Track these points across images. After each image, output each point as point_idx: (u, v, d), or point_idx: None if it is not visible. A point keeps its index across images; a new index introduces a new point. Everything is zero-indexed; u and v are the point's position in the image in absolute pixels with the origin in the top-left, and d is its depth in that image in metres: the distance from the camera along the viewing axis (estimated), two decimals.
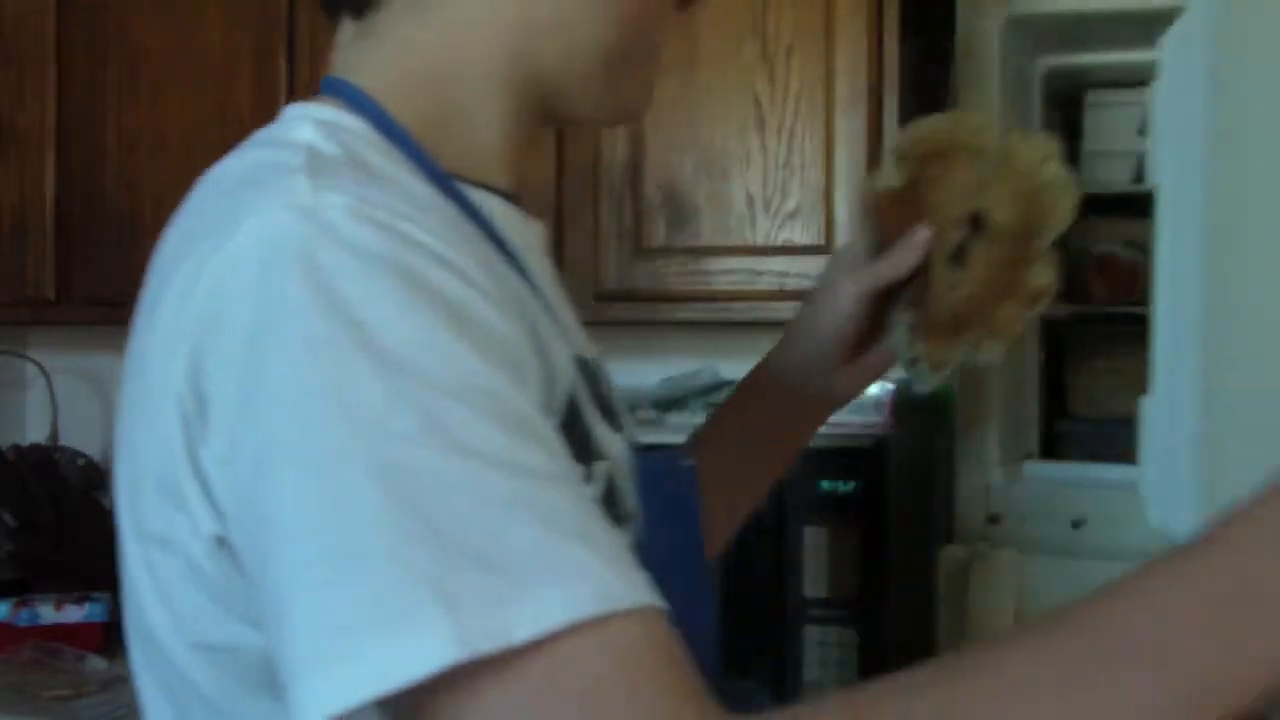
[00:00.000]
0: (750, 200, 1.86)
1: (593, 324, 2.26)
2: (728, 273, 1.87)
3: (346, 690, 0.54)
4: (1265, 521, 0.56)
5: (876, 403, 1.84)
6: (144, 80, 2.18)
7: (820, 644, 1.69)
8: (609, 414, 0.80)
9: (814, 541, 1.69)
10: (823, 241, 1.83)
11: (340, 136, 0.70)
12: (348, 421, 0.57)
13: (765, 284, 1.86)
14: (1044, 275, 0.87)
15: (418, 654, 0.53)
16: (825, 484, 1.69)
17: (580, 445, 0.71)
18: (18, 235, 2.25)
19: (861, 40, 1.81)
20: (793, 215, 1.84)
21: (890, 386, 1.85)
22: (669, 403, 1.97)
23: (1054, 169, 0.89)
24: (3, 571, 2.31)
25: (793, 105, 1.84)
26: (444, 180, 0.74)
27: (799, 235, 1.84)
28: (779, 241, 1.85)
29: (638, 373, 2.15)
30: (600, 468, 0.73)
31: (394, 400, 0.57)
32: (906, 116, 1.83)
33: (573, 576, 0.56)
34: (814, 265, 1.83)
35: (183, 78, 2.16)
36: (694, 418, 1.91)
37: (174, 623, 0.66)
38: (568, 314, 0.85)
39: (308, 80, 2.07)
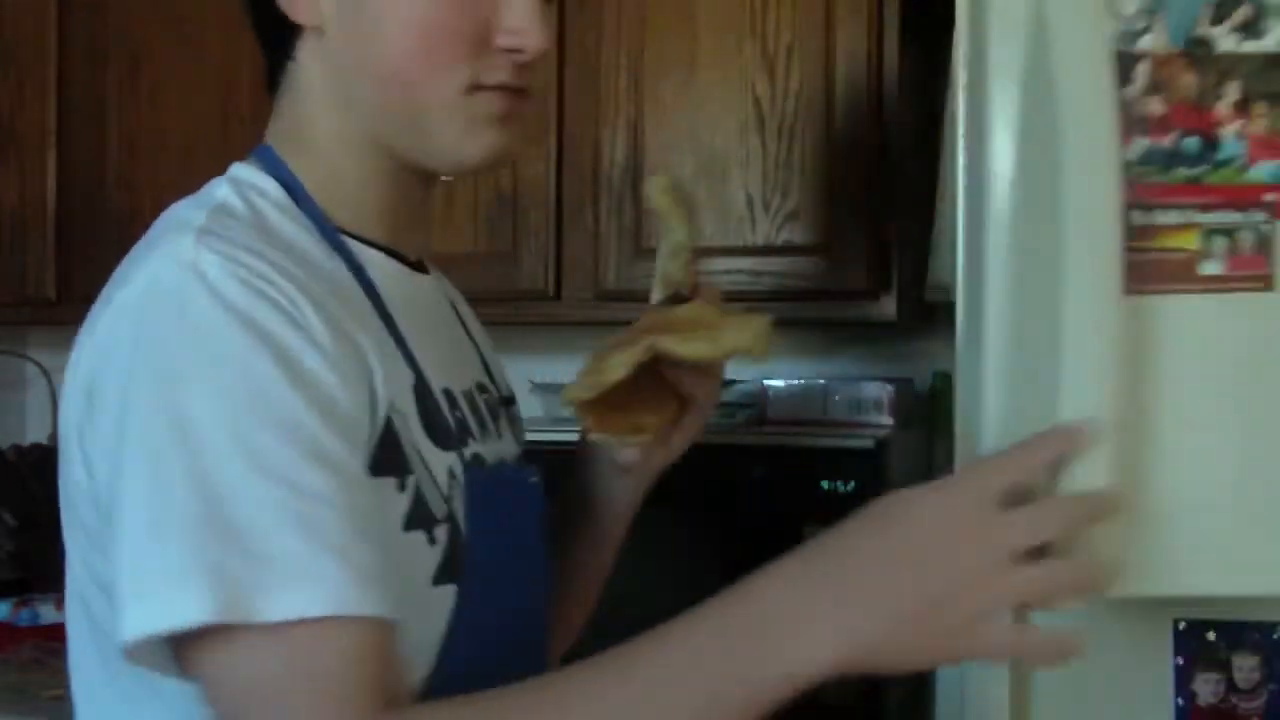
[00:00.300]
0: (750, 200, 1.86)
1: (593, 324, 2.26)
2: (728, 273, 1.87)
3: (144, 622, 0.76)
4: (774, 575, 0.84)
5: (876, 403, 1.84)
6: (144, 80, 2.18)
7: None
8: (441, 436, 0.94)
9: None
10: (823, 242, 1.83)
11: (249, 195, 0.93)
12: (181, 435, 0.78)
13: (765, 284, 1.86)
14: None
15: (188, 609, 0.75)
16: (825, 484, 1.69)
17: (393, 460, 0.88)
18: (18, 235, 2.25)
19: (861, 40, 1.81)
20: (793, 215, 1.85)
21: (890, 387, 1.85)
22: None
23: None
24: (3, 571, 2.31)
25: (793, 105, 1.84)
26: (332, 235, 0.94)
27: (799, 235, 1.84)
28: (779, 241, 1.85)
29: None
30: (410, 480, 0.89)
31: (218, 423, 0.78)
32: (906, 116, 1.84)
33: (317, 581, 0.76)
34: (814, 265, 1.83)
35: (183, 78, 2.16)
36: None
37: (85, 570, 0.89)
38: (448, 352, 1.03)
39: None
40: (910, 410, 1.93)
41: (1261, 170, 1.00)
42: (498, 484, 1.00)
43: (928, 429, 1.99)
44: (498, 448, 1.04)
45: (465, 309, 1.23)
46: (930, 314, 1.93)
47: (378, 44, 0.93)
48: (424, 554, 0.89)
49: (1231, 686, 1.30)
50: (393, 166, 0.98)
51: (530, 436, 1.87)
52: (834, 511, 1.66)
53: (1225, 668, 1.29)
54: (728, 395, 2.04)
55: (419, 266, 1.05)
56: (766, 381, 1.91)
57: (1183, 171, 1.01)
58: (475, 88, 0.94)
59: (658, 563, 1.79)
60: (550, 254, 1.96)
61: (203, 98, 2.14)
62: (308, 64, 0.97)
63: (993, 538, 0.77)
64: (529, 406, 2.16)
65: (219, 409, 0.78)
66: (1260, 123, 1.00)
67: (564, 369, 2.21)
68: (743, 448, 1.75)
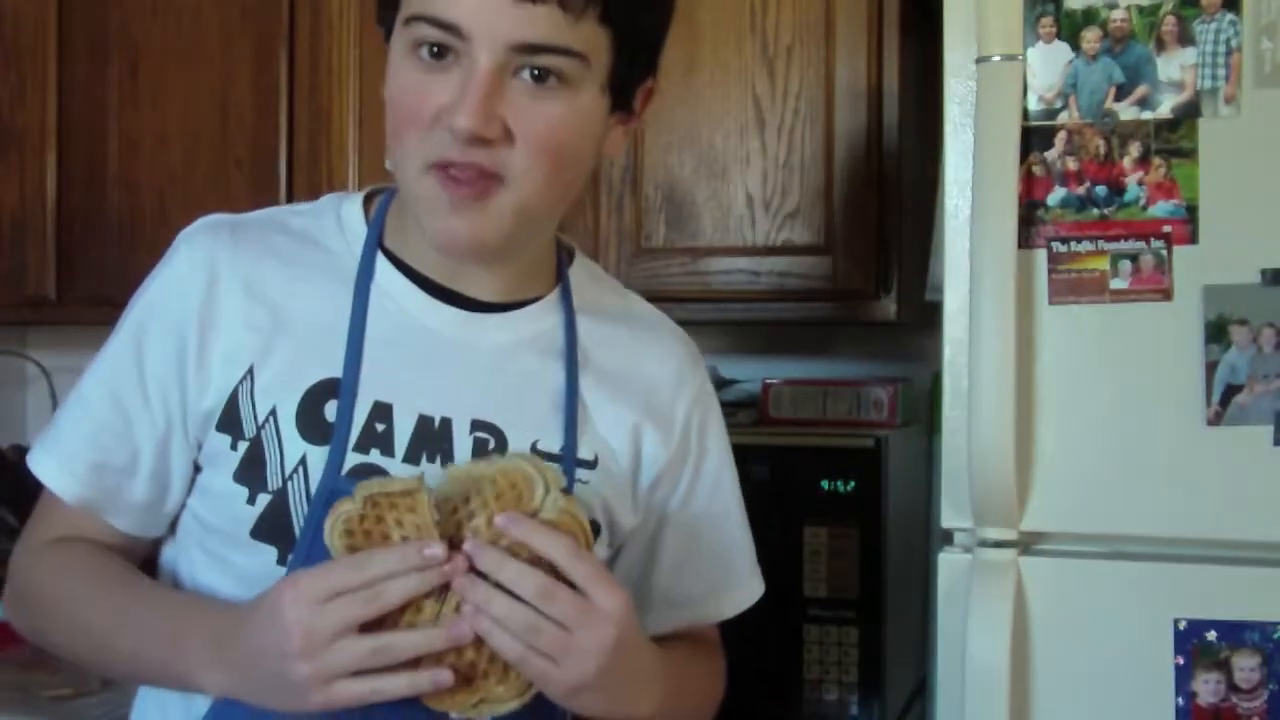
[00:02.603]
0: (750, 200, 1.86)
1: None
2: (728, 273, 1.87)
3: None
4: (206, 614, 1.08)
5: (876, 403, 1.84)
6: (144, 80, 2.18)
7: (820, 644, 1.69)
8: (308, 429, 1.06)
9: (814, 541, 1.69)
10: (823, 242, 1.83)
11: (336, 202, 1.17)
12: (102, 352, 1.14)
13: (765, 284, 1.86)
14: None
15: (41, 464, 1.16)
16: (825, 484, 1.69)
17: (231, 423, 1.08)
18: (18, 235, 2.25)
19: (861, 40, 1.81)
20: (793, 215, 1.85)
21: (890, 387, 1.85)
22: None
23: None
24: (3, 571, 2.31)
25: (793, 105, 1.84)
26: (371, 246, 1.12)
27: (799, 235, 1.84)
28: (779, 241, 1.85)
29: None
30: (243, 444, 1.07)
31: (109, 345, 1.13)
32: (906, 116, 1.84)
33: (50, 454, 1.15)
34: (814, 265, 1.83)
35: (183, 78, 2.16)
36: None
37: None
38: (445, 381, 1.10)
39: (307, 80, 2.07)
40: (910, 410, 1.93)
41: (1159, 209, 1.33)
42: (346, 486, 1.02)
43: (928, 429, 1.98)
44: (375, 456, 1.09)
45: (619, 362, 1.18)
46: (930, 314, 1.93)
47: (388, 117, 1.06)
48: (242, 508, 1.06)
49: (1232, 686, 1.30)
50: None
51: None
52: (834, 511, 1.68)
53: (1225, 668, 1.29)
54: (728, 395, 2.04)
55: (492, 305, 1.12)
56: (767, 381, 1.91)
57: (1094, 212, 1.35)
58: (429, 166, 1.02)
59: None
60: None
61: (203, 98, 2.14)
62: None
63: (315, 623, 0.93)
64: None
65: (115, 336, 1.13)
66: (1158, 173, 1.33)
67: None
68: (743, 448, 1.74)
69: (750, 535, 1.31)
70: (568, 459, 1.11)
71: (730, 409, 1.92)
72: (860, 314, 1.84)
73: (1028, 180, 1.36)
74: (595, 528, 1.10)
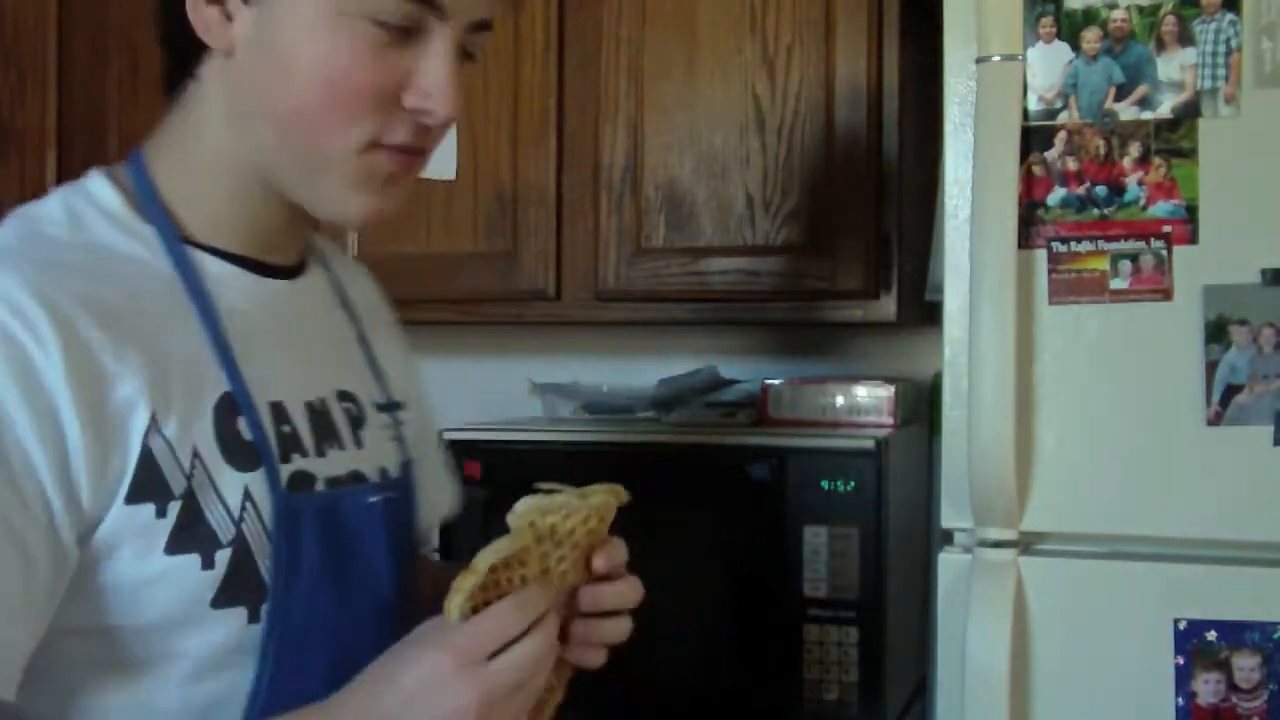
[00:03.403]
0: (750, 200, 1.86)
1: (593, 324, 2.25)
2: (727, 273, 1.87)
3: None
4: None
5: (876, 403, 1.84)
6: (144, 80, 2.18)
7: (820, 644, 1.69)
8: (238, 458, 0.93)
9: (814, 541, 1.69)
10: (823, 242, 1.83)
11: (76, 204, 0.97)
12: None
13: (765, 284, 1.85)
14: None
15: None
16: (825, 484, 1.69)
17: (152, 487, 0.88)
18: None
19: (861, 40, 1.81)
20: (793, 215, 1.84)
21: (890, 387, 1.85)
22: (669, 403, 1.97)
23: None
24: None
25: (793, 105, 1.84)
26: (173, 245, 0.95)
27: (799, 235, 1.84)
28: (779, 241, 1.85)
29: (638, 373, 2.15)
30: (173, 505, 0.89)
31: None
32: (906, 116, 1.84)
33: None
34: (814, 265, 1.83)
35: None
36: (693, 417, 1.91)
37: None
38: (303, 359, 1.02)
39: None
40: (910, 410, 1.93)
41: (1159, 209, 1.33)
42: (317, 507, 0.97)
43: (928, 429, 1.99)
44: (348, 460, 1.03)
45: (371, 308, 1.21)
46: (930, 314, 1.93)
47: (283, 85, 0.93)
48: (195, 577, 0.90)
49: (1232, 686, 1.30)
50: (270, 191, 0.99)
51: (530, 437, 1.88)
52: (834, 511, 1.68)
53: (1225, 668, 1.29)
54: (728, 395, 2.05)
55: (293, 271, 1.05)
56: (767, 381, 1.91)
57: (1094, 212, 1.34)
58: (373, 145, 0.94)
59: (658, 563, 1.79)
60: (550, 254, 1.96)
61: None
62: (209, 82, 0.98)
63: (481, 683, 0.88)
64: (529, 406, 2.17)
65: None
66: (1157, 173, 1.32)
67: (564, 369, 2.22)
68: (743, 448, 1.75)
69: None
70: (392, 409, 1.11)
71: (730, 409, 1.92)
72: (860, 314, 1.84)
73: (1028, 180, 1.36)
74: (414, 464, 1.12)
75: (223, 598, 0.91)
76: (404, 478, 1.10)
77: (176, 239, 0.96)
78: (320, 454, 1.00)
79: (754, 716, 1.73)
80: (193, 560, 0.89)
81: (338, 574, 0.97)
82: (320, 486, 0.99)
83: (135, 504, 0.87)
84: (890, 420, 1.83)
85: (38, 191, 2.49)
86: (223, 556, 0.90)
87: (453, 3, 0.93)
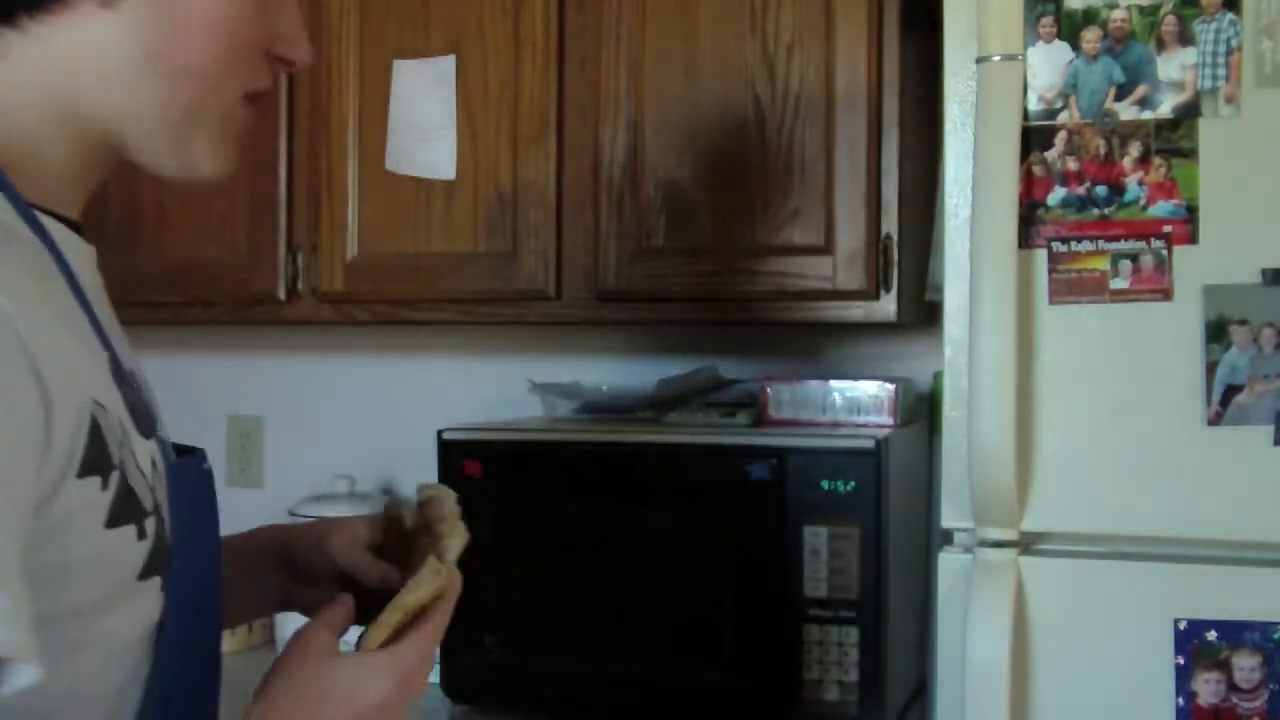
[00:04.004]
0: (750, 200, 1.86)
1: (593, 324, 2.25)
2: (727, 273, 1.87)
3: None
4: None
5: (876, 403, 1.84)
6: None
7: (820, 644, 1.69)
8: (142, 422, 0.90)
9: (814, 541, 1.69)
10: (822, 242, 1.83)
11: None
12: None
13: (765, 284, 1.85)
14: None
15: None
16: (825, 484, 1.69)
17: (98, 459, 0.83)
18: None
19: (861, 40, 1.81)
20: (793, 215, 1.84)
21: (890, 387, 1.85)
22: (669, 403, 1.97)
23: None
24: None
25: (793, 105, 1.84)
26: (25, 210, 0.88)
27: (799, 235, 1.84)
28: (779, 241, 1.85)
29: (638, 373, 2.15)
30: (114, 476, 0.84)
31: None
32: (906, 116, 1.84)
33: None
34: (814, 265, 1.83)
35: None
36: (693, 417, 1.91)
37: None
38: (114, 326, 0.96)
39: (307, 80, 2.07)
40: (910, 410, 1.93)
41: (1159, 209, 1.33)
42: (187, 472, 0.95)
43: (928, 429, 1.98)
44: (165, 429, 0.99)
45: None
46: (930, 314, 1.93)
47: (181, 38, 0.91)
48: (131, 549, 0.86)
49: (1232, 686, 1.30)
50: (103, 151, 0.95)
51: (530, 437, 1.88)
52: (834, 511, 1.68)
53: (1225, 668, 1.29)
54: (728, 395, 2.05)
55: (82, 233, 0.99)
56: (766, 381, 1.91)
57: (1094, 212, 1.35)
58: (248, 96, 0.95)
59: (658, 562, 1.79)
60: (550, 254, 1.96)
61: None
62: (47, 39, 0.90)
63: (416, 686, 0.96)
64: (529, 406, 2.17)
65: None
66: (1158, 173, 1.33)
67: (564, 369, 2.22)
68: (743, 448, 1.75)
69: None
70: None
71: (730, 409, 1.92)
72: (860, 314, 1.84)
73: (1028, 180, 1.36)
74: None
75: (147, 569, 0.88)
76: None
77: (23, 202, 0.88)
78: (160, 420, 0.97)
79: (754, 716, 1.73)
80: (130, 532, 0.86)
81: (204, 537, 0.95)
82: (171, 453, 0.96)
83: (86, 477, 0.82)
84: (890, 420, 1.83)
85: None
86: (150, 525, 0.88)
87: None
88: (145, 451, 0.89)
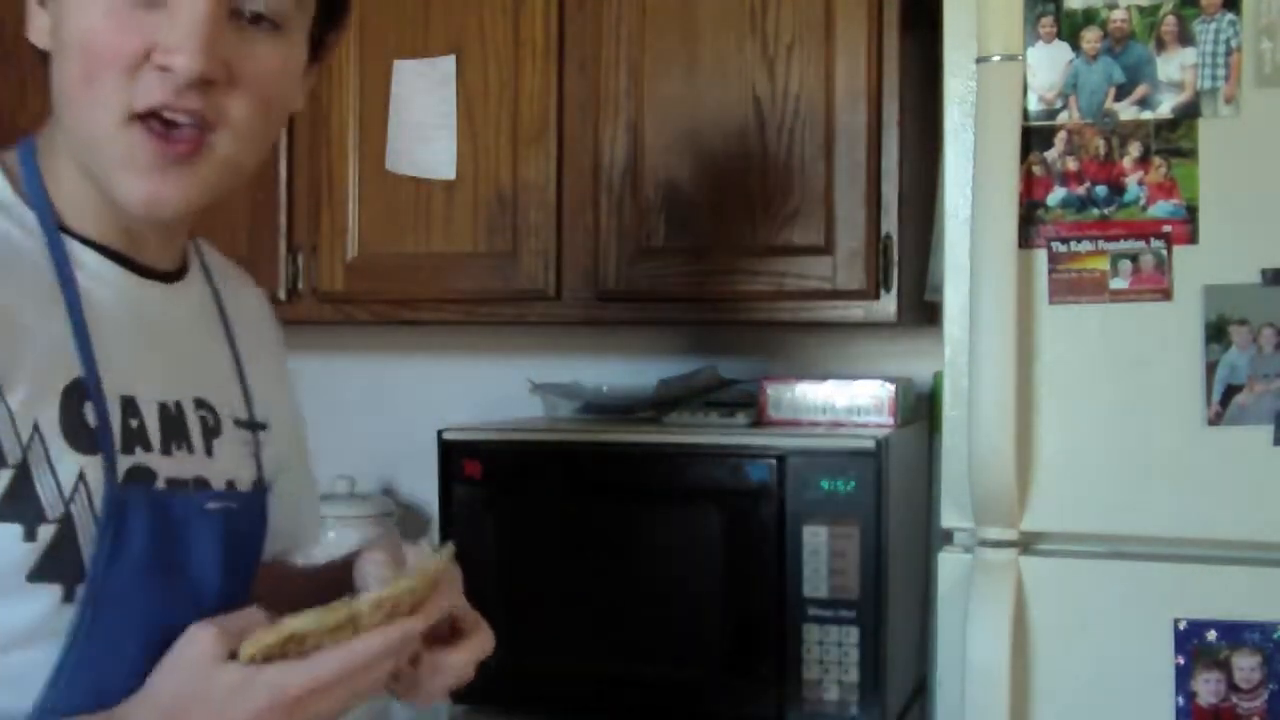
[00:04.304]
0: (750, 200, 1.86)
1: (593, 324, 2.25)
2: (727, 273, 1.87)
3: None
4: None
5: (876, 403, 1.84)
6: None
7: (820, 644, 1.69)
8: (78, 439, 0.93)
9: (814, 541, 1.69)
10: (822, 242, 1.83)
11: None
12: None
13: (765, 284, 1.85)
14: None
15: None
16: (825, 484, 1.69)
17: None
18: None
19: (861, 40, 1.81)
20: (793, 215, 1.84)
21: (890, 387, 1.85)
22: (668, 403, 1.97)
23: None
24: None
25: (793, 105, 1.84)
26: (50, 231, 0.96)
27: (799, 235, 1.84)
28: (779, 241, 1.85)
29: (638, 373, 2.15)
30: (4, 473, 0.89)
31: None
32: (906, 116, 1.84)
33: None
34: (814, 265, 1.83)
35: None
36: (693, 417, 1.91)
37: None
38: (164, 362, 1.02)
39: None
40: (910, 410, 1.93)
41: (1159, 209, 1.33)
42: (148, 501, 0.97)
43: (928, 429, 1.99)
44: (195, 465, 1.02)
45: (253, 326, 1.18)
46: (930, 314, 1.93)
47: (59, 68, 0.94)
48: (16, 548, 0.90)
49: (1232, 686, 1.30)
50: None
51: (530, 437, 1.88)
52: (834, 511, 1.68)
53: (1225, 668, 1.29)
54: (728, 395, 2.05)
55: (171, 275, 1.05)
56: (766, 381, 1.91)
57: (1094, 212, 1.35)
58: (133, 116, 0.91)
59: (657, 562, 1.79)
60: (550, 254, 1.96)
61: None
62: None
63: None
64: (529, 406, 2.17)
65: None
66: (1158, 173, 1.33)
67: (564, 369, 2.22)
68: (743, 448, 1.75)
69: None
70: (253, 427, 1.11)
71: (730, 409, 1.92)
72: (860, 314, 1.84)
73: (1028, 180, 1.36)
74: (268, 485, 1.12)
75: (39, 572, 0.90)
76: (253, 494, 1.09)
77: (55, 227, 0.97)
78: (166, 453, 1.00)
79: (754, 716, 1.73)
80: (14, 530, 0.89)
81: (161, 571, 0.97)
82: (160, 484, 0.98)
83: None
84: (890, 420, 1.83)
85: None
86: (46, 531, 0.90)
87: None
88: (73, 464, 0.92)
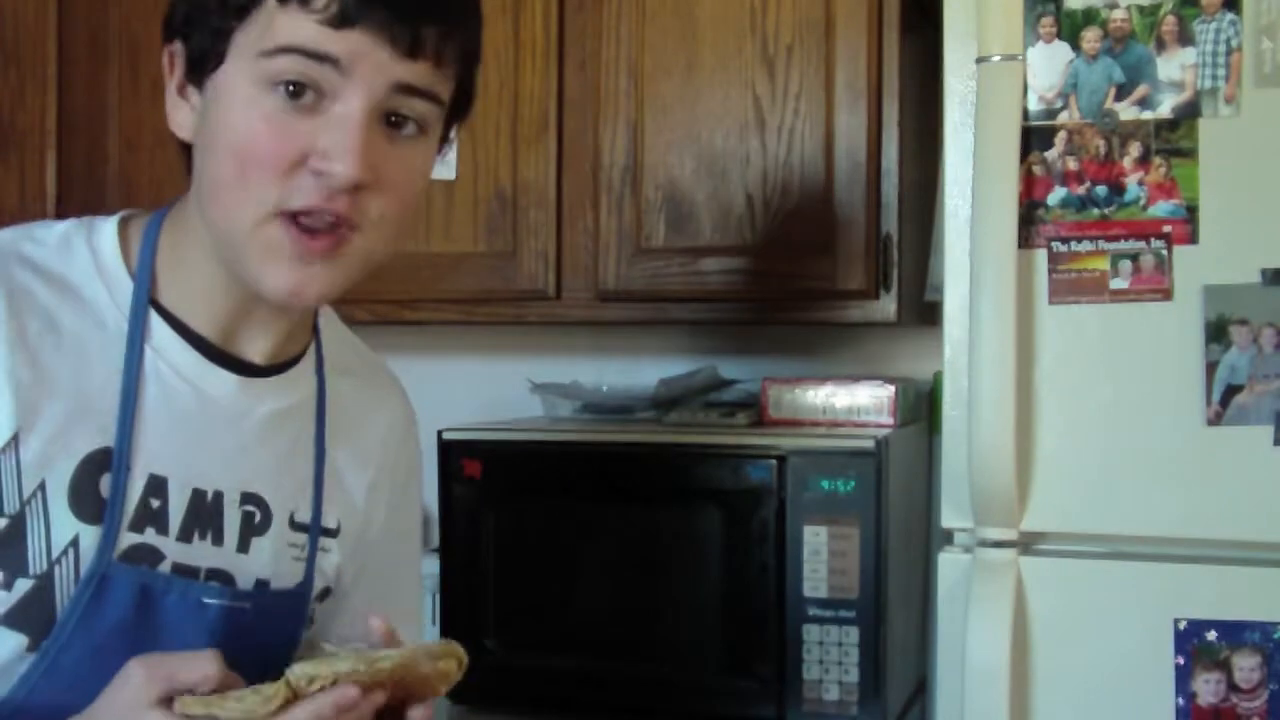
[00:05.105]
0: (750, 200, 1.86)
1: (593, 324, 2.25)
2: (727, 273, 1.87)
3: None
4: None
5: (876, 403, 1.84)
6: (144, 79, 2.18)
7: (820, 644, 1.69)
8: (82, 507, 0.95)
9: (814, 541, 1.69)
10: (822, 242, 1.83)
11: (76, 238, 1.03)
12: None
13: (765, 284, 1.85)
14: None
15: None
16: (825, 484, 1.69)
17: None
18: None
19: (861, 40, 1.81)
20: (793, 215, 1.84)
21: (890, 387, 1.85)
22: (668, 403, 1.97)
23: None
24: None
25: (793, 105, 1.84)
26: (141, 306, 1.00)
27: (799, 235, 1.84)
28: (779, 242, 1.85)
29: (638, 373, 2.15)
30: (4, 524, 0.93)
31: None
32: (906, 116, 1.84)
33: None
34: (814, 265, 1.83)
35: None
36: (693, 417, 1.91)
37: None
38: (218, 453, 1.02)
39: None
40: (910, 410, 1.93)
41: (1159, 209, 1.33)
42: (134, 582, 0.97)
43: (928, 429, 1.99)
44: (217, 557, 1.02)
45: (361, 431, 1.16)
46: (930, 314, 1.93)
47: (209, 162, 0.96)
48: None
49: (1232, 686, 1.30)
50: (235, 279, 1.00)
51: (530, 437, 1.88)
52: (834, 511, 1.68)
53: (1225, 668, 1.29)
54: (728, 395, 2.05)
55: (263, 369, 1.06)
56: (767, 381, 1.91)
57: (1095, 212, 1.35)
58: (280, 213, 0.94)
59: (657, 562, 1.79)
60: (550, 254, 1.96)
61: None
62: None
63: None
64: (529, 406, 2.17)
65: None
66: (1158, 172, 1.33)
67: (564, 369, 2.22)
68: (743, 448, 1.75)
69: (421, 592, 1.30)
70: (313, 530, 1.09)
71: (730, 409, 1.92)
72: (860, 314, 1.84)
73: (1028, 180, 1.36)
74: (326, 592, 1.11)
75: (9, 620, 0.94)
76: (288, 596, 1.07)
77: (146, 301, 1.00)
78: (184, 539, 1.00)
79: (754, 716, 1.73)
80: None
81: (135, 649, 0.95)
82: (165, 567, 0.99)
83: None
84: (890, 420, 1.83)
85: (38, 191, 2.50)
86: (23, 584, 0.94)
87: (355, 61, 0.92)
88: (69, 529, 0.95)
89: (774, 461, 1.71)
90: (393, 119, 0.96)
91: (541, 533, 1.84)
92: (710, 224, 1.88)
